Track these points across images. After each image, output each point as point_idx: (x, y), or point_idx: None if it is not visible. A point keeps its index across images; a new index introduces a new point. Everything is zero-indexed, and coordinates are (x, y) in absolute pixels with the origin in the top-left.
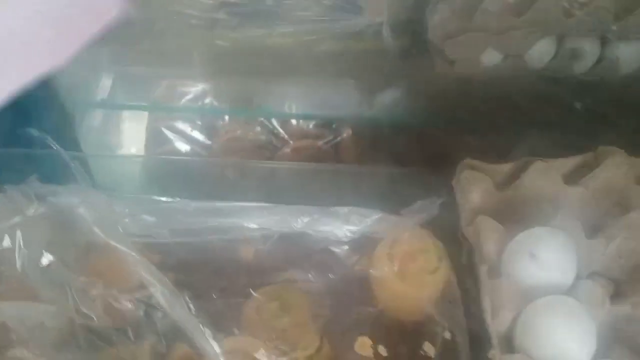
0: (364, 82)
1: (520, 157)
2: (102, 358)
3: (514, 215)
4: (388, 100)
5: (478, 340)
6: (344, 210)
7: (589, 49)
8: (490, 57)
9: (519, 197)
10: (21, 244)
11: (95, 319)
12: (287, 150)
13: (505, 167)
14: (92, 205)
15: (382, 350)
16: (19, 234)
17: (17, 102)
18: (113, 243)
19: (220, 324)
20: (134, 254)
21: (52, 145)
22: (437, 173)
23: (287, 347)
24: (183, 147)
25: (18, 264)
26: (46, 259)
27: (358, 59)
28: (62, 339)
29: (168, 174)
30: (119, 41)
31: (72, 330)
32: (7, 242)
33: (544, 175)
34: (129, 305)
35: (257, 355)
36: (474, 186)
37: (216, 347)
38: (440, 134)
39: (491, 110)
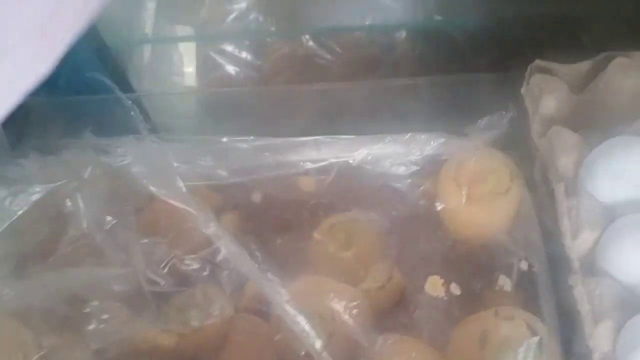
0: None
1: (598, 53)
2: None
3: (592, 121)
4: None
5: (557, 265)
6: (403, 137)
7: None
8: None
9: (598, 99)
10: (82, 206)
11: (162, 282)
12: (339, 62)
13: (582, 67)
14: (148, 159)
15: (455, 289)
16: (79, 196)
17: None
18: (172, 201)
19: (287, 265)
20: (194, 212)
21: (115, 90)
22: (504, 79)
23: (355, 280)
24: (233, 69)
25: (84, 225)
26: (108, 219)
27: None
28: (133, 302)
29: (221, 106)
30: None
31: (141, 293)
32: (69, 205)
33: (626, 73)
34: (194, 266)
35: (324, 295)
36: (547, 92)
37: (284, 295)
38: (507, 35)
39: (562, 2)
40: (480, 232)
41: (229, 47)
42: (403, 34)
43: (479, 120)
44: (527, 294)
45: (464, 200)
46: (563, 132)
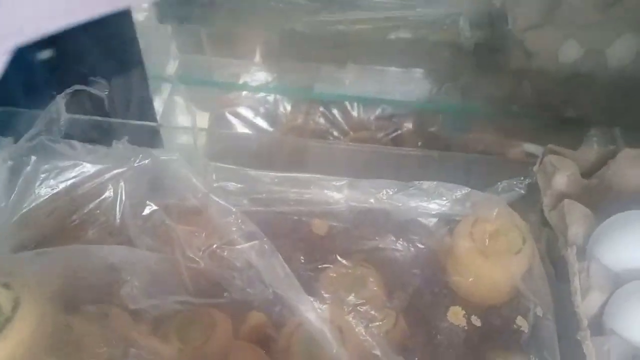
0: (433, 73)
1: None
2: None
3: (599, 204)
4: (456, 92)
5: (563, 323)
6: (430, 184)
7: None
8: (570, 51)
9: (605, 185)
10: (123, 194)
11: (202, 263)
12: (346, 140)
13: (590, 155)
14: (190, 162)
15: (476, 321)
16: (122, 183)
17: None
18: (214, 197)
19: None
20: (234, 209)
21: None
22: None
23: (362, 321)
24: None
25: (118, 214)
26: (148, 208)
27: (430, 50)
28: (169, 281)
29: (234, 151)
30: (189, 23)
31: (178, 273)
32: (109, 192)
33: (633, 163)
34: (233, 256)
35: (341, 325)
36: (560, 169)
37: (312, 302)
38: (509, 130)
39: (567, 108)
40: (493, 284)
41: (244, 111)
42: (410, 125)
43: (498, 183)
44: (540, 338)
45: (478, 255)
46: (574, 205)
